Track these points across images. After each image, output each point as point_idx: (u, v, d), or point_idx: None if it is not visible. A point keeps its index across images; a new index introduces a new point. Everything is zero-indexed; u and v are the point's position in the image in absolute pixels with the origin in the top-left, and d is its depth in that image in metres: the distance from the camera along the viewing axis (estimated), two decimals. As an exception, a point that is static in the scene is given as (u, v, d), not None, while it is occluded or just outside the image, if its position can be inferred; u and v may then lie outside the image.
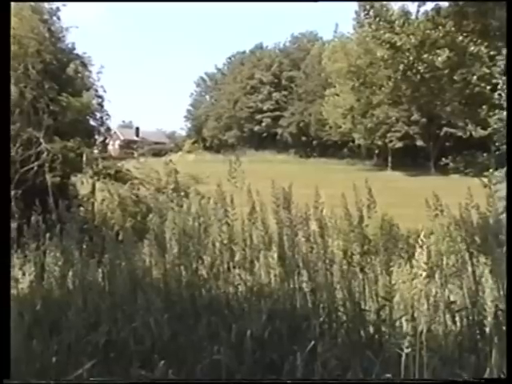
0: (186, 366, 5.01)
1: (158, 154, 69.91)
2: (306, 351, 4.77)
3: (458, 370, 4.67)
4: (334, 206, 5.92)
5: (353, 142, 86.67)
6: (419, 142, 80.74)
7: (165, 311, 5.63)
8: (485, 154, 19.57)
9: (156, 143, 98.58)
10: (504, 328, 4.89)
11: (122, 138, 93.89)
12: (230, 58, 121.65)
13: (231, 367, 4.93)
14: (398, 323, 5.20)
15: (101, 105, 24.22)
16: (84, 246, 6.73)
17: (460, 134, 59.00)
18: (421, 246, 3.91)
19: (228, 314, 5.68)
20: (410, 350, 4.00)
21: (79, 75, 23.15)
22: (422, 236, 3.89)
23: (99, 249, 6.83)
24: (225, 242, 5.88)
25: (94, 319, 5.65)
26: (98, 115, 24.08)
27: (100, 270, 6.57)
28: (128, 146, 67.93)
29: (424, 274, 3.90)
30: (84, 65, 23.64)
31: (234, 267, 6.02)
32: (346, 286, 5.52)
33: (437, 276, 5.85)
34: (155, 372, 4.86)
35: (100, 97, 24.21)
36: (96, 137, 24.71)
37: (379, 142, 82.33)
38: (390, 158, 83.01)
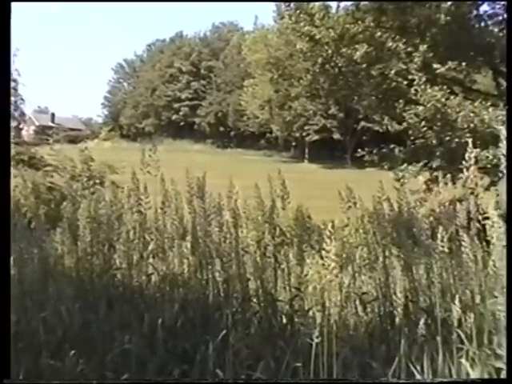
0: (97, 355, 4.96)
1: (73, 140, 68.91)
2: (217, 341, 4.78)
3: (369, 359, 4.75)
4: (249, 196, 5.92)
5: (270, 133, 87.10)
6: (336, 136, 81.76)
7: (76, 300, 5.56)
8: (400, 149, 19.85)
9: (72, 130, 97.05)
10: (414, 318, 5.00)
11: (36, 123, 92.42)
12: (149, 46, 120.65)
13: (142, 357, 4.91)
14: (311, 313, 5.24)
15: (15, 89, 23.73)
16: (-6, 233, 6.58)
17: (377, 128, 59.87)
18: (329, 237, 3.94)
19: (140, 303, 5.65)
20: (319, 339, 4.04)
21: (-9, 57, 22.56)
22: (329, 227, 3.92)
23: (10, 236, 6.68)
24: (138, 230, 5.84)
25: (3, 308, 5.53)
26: (12, 99, 23.57)
27: (11, 258, 6.44)
28: (43, 132, 66.91)
29: (333, 264, 3.94)
30: (-4, 46, 23.06)
31: (148, 256, 5.98)
32: (259, 276, 5.53)
33: (349, 267, 5.93)
34: (65, 362, 4.80)
35: (14, 80, 23.71)
36: (9, 121, 24.19)
37: (297, 134, 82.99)
38: (307, 150, 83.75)
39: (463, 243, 4.84)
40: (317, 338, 4.03)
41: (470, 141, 4.68)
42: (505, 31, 18.20)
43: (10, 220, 5.30)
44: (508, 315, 4.08)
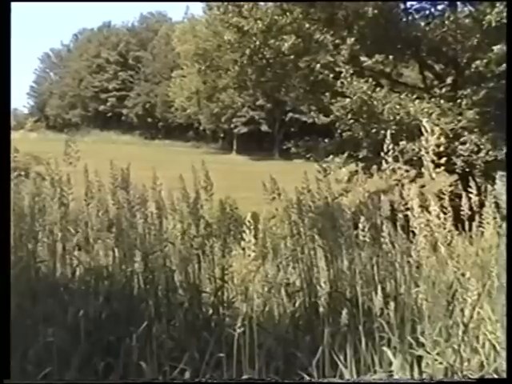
0: (19, 349, 4.88)
1: (-3, 131, 67.21)
2: (140, 333, 4.76)
3: (293, 349, 4.78)
4: (175, 188, 5.90)
5: (199, 124, 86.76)
6: (264, 127, 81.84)
7: (-2, 294, 5.45)
8: (326, 140, 19.98)
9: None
10: (337, 308, 5.05)
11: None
12: (76, 36, 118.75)
13: (66, 350, 4.85)
14: (236, 304, 5.26)
15: None
16: None
17: (305, 119, 60.26)
18: (248, 228, 3.95)
19: (65, 295, 5.57)
20: (242, 329, 4.05)
21: None
22: (248, 218, 3.94)
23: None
24: (62, 222, 5.75)
25: None
26: None
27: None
28: (-35, 123, 65.18)
29: (253, 255, 3.96)
30: None
31: (73, 248, 5.91)
32: (185, 267, 5.52)
33: (274, 258, 5.96)
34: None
35: None
36: None
37: (225, 126, 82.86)
38: (235, 142, 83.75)
39: (385, 234, 4.91)
40: (239, 328, 4.05)
41: (388, 133, 4.74)
42: (431, 25, 18.53)
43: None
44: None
